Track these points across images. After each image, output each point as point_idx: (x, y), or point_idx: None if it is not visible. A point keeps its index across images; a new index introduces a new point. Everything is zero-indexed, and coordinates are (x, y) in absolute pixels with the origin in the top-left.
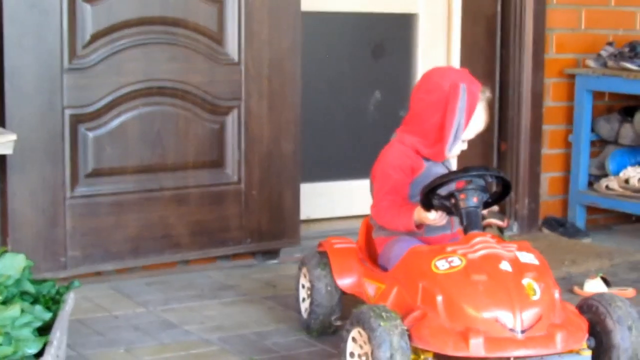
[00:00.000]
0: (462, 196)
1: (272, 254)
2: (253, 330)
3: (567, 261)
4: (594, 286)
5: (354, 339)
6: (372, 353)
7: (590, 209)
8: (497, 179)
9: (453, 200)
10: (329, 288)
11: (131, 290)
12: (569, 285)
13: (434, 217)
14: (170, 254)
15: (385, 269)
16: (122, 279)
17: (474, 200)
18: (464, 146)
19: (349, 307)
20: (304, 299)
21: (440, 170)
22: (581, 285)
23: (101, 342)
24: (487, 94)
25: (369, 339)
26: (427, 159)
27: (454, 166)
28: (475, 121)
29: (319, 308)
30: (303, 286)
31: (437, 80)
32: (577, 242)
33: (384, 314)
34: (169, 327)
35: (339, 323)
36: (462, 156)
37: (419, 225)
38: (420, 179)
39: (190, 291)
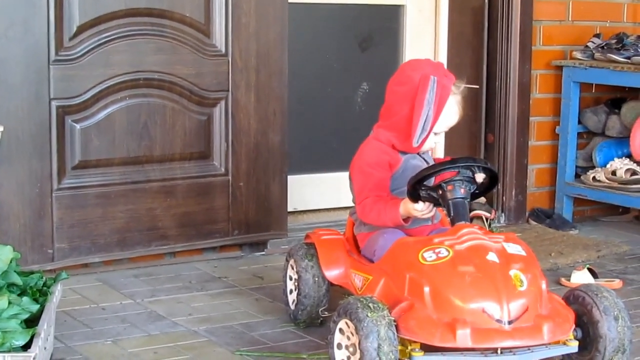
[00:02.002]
0: (449, 187)
1: (260, 245)
2: (240, 321)
3: (554, 253)
4: (581, 277)
5: (341, 330)
6: (359, 344)
7: (577, 201)
8: (484, 170)
9: (440, 192)
10: (316, 279)
11: (118, 282)
12: (556, 276)
13: (421, 208)
14: (157, 246)
15: (370, 261)
16: (109, 270)
17: (461, 191)
18: (437, 139)
19: (336, 298)
20: (291, 291)
21: (417, 163)
22: (568, 277)
23: (88, 334)
24: (462, 87)
25: (356, 330)
26: (404, 153)
27: (430, 159)
28: (446, 114)
29: (306, 299)
30: (290, 278)
31: (409, 72)
32: (564, 234)
33: (371, 304)
34: (156, 319)
35: (326, 314)
36: (448, 147)
37: (406, 219)
38: (398, 173)
39: (177, 283)
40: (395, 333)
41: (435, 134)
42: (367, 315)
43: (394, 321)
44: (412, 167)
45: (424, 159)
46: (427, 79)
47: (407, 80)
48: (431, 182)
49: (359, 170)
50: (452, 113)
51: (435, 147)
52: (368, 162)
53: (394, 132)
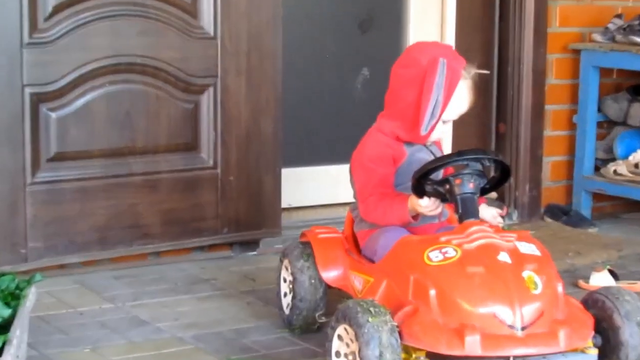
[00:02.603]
0: (457, 181)
1: (251, 244)
2: (230, 327)
3: (571, 252)
4: (601, 279)
5: (340, 337)
6: (359, 351)
7: (597, 196)
8: (495, 162)
9: (447, 186)
10: (312, 281)
11: (98, 284)
12: (573, 278)
13: (427, 204)
14: (140, 245)
15: (371, 262)
16: (88, 272)
17: (469, 186)
18: (446, 129)
19: (334, 302)
20: (285, 294)
21: (423, 156)
22: (586, 279)
23: (65, 340)
24: (473, 71)
25: (356, 336)
26: (409, 145)
27: (438, 151)
28: (456, 100)
29: (302, 303)
30: (285, 280)
31: (416, 55)
32: (582, 232)
33: (372, 309)
34: (139, 324)
35: (323, 319)
36: (456, 139)
37: (415, 216)
38: (403, 167)
39: (162, 285)
40: (399, 340)
41: (444, 122)
42: (367, 321)
43: (397, 327)
44: (418, 161)
45: (431, 151)
46: (436, 61)
47: (413, 63)
48: (438, 176)
49: (361, 165)
50: (462, 99)
51: (444, 138)
52: (370, 156)
53: (398, 121)
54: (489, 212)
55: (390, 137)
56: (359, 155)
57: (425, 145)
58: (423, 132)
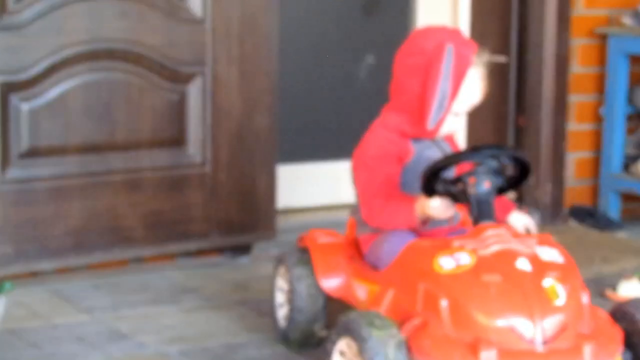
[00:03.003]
0: (471, 180)
1: (243, 250)
2: (220, 341)
3: (597, 259)
4: (630, 289)
5: (341, 353)
6: None
7: (626, 197)
8: (514, 159)
9: (461, 186)
10: (311, 290)
11: (74, 293)
12: (600, 287)
13: (437, 204)
14: (120, 250)
15: (376, 269)
16: (62, 280)
17: (485, 185)
18: (457, 122)
19: (335, 313)
20: (281, 304)
21: (433, 154)
22: (615, 288)
23: (38, 356)
24: (486, 57)
25: (360, 352)
26: (417, 141)
27: (449, 148)
28: (466, 90)
29: (299, 315)
30: (281, 289)
31: (420, 41)
32: (610, 236)
33: (377, 321)
34: (119, 338)
35: (323, 333)
36: (470, 134)
37: (424, 221)
38: (410, 166)
39: (144, 295)
40: (406, 355)
41: (455, 114)
42: (372, 334)
43: (405, 341)
44: (426, 159)
45: (441, 148)
46: (441, 47)
47: (418, 50)
48: (450, 174)
49: (363, 165)
50: (474, 89)
51: (455, 132)
52: (372, 155)
53: (404, 115)
54: (520, 220)
55: (395, 133)
56: (360, 153)
57: (434, 141)
58: (430, 126)
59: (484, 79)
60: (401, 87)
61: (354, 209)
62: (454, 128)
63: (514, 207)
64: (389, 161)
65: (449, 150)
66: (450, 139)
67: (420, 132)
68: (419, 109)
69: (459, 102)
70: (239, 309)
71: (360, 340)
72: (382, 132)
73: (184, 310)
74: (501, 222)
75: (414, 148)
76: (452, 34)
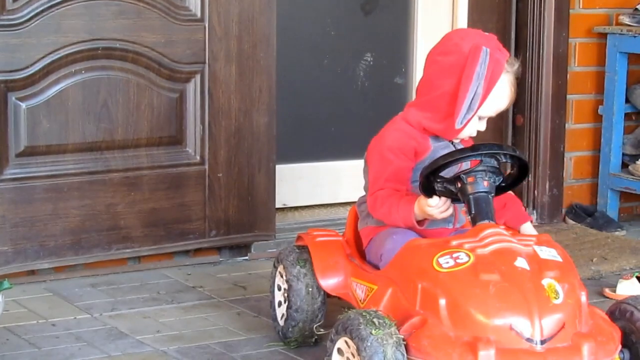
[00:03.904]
0: (470, 179)
1: (242, 249)
2: (219, 340)
3: (596, 258)
4: (629, 288)
5: (340, 351)
6: None
7: (624, 195)
8: (512, 158)
9: (459, 184)
10: (309, 289)
11: (72, 292)
12: (598, 286)
13: (436, 203)
14: (119, 249)
15: (375, 267)
16: (61, 279)
17: (484, 184)
18: (481, 126)
19: (334, 312)
20: (280, 303)
21: (443, 151)
22: (613, 287)
23: (36, 355)
24: (516, 66)
25: (358, 350)
26: (436, 139)
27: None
28: (496, 95)
29: (298, 313)
30: (279, 288)
31: (457, 41)
32: (609, 235)
33: (376, 320)
34: (117, 337)
35: (322, 331)
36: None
37: (421, 221)
38: (425, 162)
39: (143, 294)
40: (405, 354)
41: (480, 118)
42: (371, 333)
43: (404, 340)
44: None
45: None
46: (479, 49)
47: (454, 49)
48: (449, 173)
49: (379, 154)
50: (503, 94)
51: (475, 135)
52: (390, 146)
53: (429, 112)
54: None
55: (416, 128)
56: (378, 142)
57: (452, 143)
58: (458, 126)
59: (513, 86)
60: (432, 84)
61: (360, 199)
62: (475, 131)
63: (530, 219)
64: (403, 155)
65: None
66: (468, 142)
67: (443, 131)
68: (447, 108)
69: (487, 105)
70: (237, 307)
71: (358, 339)
72: (402, 125)
73: (183, 309)
74: (513, 229)
75: (431, 145)
76: (488, 38)
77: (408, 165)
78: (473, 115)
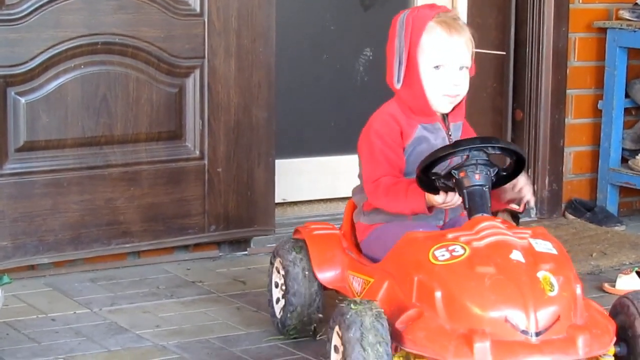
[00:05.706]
0: (461, 174)
1: (241, 243)
2: (218, 335)
3: (595, 253)
4: (628, 283)
5: (336, 349)
6: (342, 337)
7: (624, 190)
8: (504, 150)
9: (453, 180)
10: (306, 273)
11: (71, 287)
12: (598, 281)
13: (442, 200)
14: (118, 244)
15: (372, 260)
16: (60, 273)
17: (476, 177)
18: (447, 77)
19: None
20: (278, 300)
21: (430, 136)
22: (613, 282)
23: (35, 349)
24: (454, 13)
25: (340, 327)
26: (425, 126)
27: (459, 133)
28: (433, 41)
29: (295, 297)
30: (277, 285)
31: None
32: (608, 230)
33: (358, 300)
34: (117, 331)
35: (320, 316)
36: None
37: (430, 208)
38: (410, 145)
39: (142, 288)
40: (386, 325)
41: (436, 67)
42: (350, 308)
43: (384, 314)
44: (426, 143)
45: (449, 134)
46: (400, 13)
47: (391, 24)
48: (442, 169)
49: (368, 141)
50: (445, 40)
51: (459, 89)
52: (378, 131)
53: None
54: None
55: (401, 111)
56: (366, 130)
57: (446, 125)
58: (396, 85)
59: (455, 29)
60: (389, 65)
61: (355, 189)
62: (442, 87)
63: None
64: (391, 139)
65: (458, 135)
66: (465, 124)
67: (417, 111)
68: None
69: (429, 54)
70: (236, 302)
71: (340, 316)
72: (389, 108)
73: (182, 304)
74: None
75: (417, 129)
76: (422, 6)
77: (397, 148)
78: (406, 67)
